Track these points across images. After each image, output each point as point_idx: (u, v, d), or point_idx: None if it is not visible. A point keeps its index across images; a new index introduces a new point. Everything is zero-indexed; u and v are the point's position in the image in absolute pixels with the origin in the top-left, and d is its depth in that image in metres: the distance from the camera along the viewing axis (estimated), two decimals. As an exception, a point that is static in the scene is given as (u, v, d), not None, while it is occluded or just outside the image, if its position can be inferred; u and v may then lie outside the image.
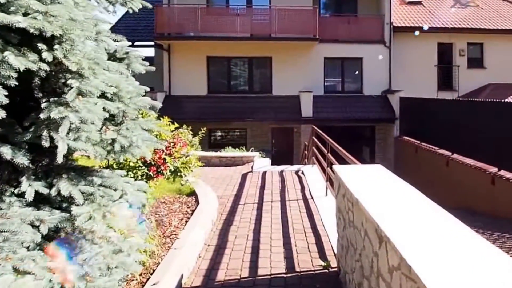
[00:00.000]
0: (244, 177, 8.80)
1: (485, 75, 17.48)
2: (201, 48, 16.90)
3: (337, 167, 3.98)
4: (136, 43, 18.28)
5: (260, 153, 11.98)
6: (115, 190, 3.14)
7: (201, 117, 15.76)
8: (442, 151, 11.30)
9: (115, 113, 2.94)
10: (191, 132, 13.48)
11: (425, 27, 17.00)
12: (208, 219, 5.39)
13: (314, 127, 9.40)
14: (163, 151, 5.19)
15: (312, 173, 8.71)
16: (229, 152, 11.37)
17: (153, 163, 5.07)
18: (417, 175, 11.40)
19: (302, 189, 7.46)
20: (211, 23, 16.08)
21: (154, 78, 17.92)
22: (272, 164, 11.87)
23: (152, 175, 5.05)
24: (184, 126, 13.37)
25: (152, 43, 17.63)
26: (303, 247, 4.70)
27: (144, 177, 5.26)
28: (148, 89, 3.90)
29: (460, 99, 15.03)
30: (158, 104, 4.07)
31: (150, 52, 19.56)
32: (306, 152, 11.89)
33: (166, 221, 5.33)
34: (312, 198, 6.76)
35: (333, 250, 4.54)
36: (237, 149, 12.28)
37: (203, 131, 12.90)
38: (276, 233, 5.19)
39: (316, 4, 16.40)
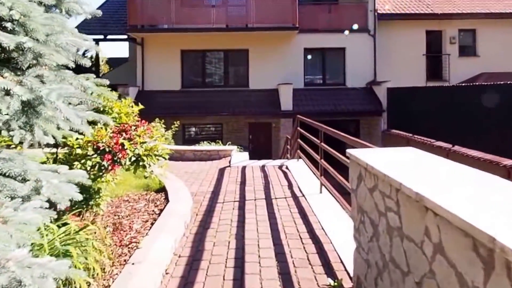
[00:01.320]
0: (221, 172, 7.57)
1: (478, 64, 16.44)
2: (175, 41, 15.53)
3: (355, 151, 2.83)
4: (108, 37, 16.66)
5: (238, 147, 10.77)
6: (23, 180, 1.88)
7: (175, 112, 14.41)
8: (440, 143, 10.33)
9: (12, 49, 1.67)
10: (163, 126, 12.15)
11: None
12: (180, 221, 4.14)
13: (300, 116, 8.28)
14: (120, 134, 3.89)
15: (299, 168, 7.57)
16: (204, 146, 10.08)
17: (107, 149, 3.77)
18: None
19: (290, 185, 6.29)
20: (185, 14, 14.76)
21: (131, 74, 16.38)
22: (251, 159, 10.73)
23: (106, 165, 3.74)
24: (157, 119, 12.04)
25: (125, 36, 16.09)
26: (301, 259, 3.53)
27: (97, 169, 3.95)
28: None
29: (460, 84, 13.96)
30: (105, 82, 2.94)
31: (125, 46, 18.02)
32: (288, 146, 10.76)
33: (127, 225, 4.04)
34: (303, 195, 5.61)
35: (342, 262, 3.39)
36: (213, 143, 11.00)
37: (176, 125, 11.59)
38: (264, 239, 3.99)
39: (295, -7, 15.31)
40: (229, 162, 8.68)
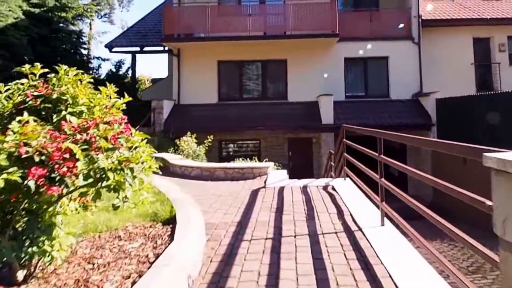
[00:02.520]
0: (254, 194, 6.10)
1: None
2: (211, 51, 14.51)
3: None
4: (145, 49, 15.98)
5: (275, 164, 9.28)
6: None
7: (211, 127, 13.23)
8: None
9: None
10: (195, 140, 10.93)
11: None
12: (179, 278, 2.68)
13: (346, 125, 6.71)
14: (79, 134, 2.44)
15: (348, 189, 5.94)
16: (237, 163, 8.68)
17: (37, 158, 2.25)
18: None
19: (340, 213, 4.70)
20: (221, 23, 13.71)
21: (170, 90, 15.54)
22: (290, 178, 9.22)
23: (32, 185, 2.20)
24: (188, 133, 10.85)
25: (162, 48, 15.31)
26: None
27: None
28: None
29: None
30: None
31: (164, 58, 17.29)
32: (332, 163, 9.12)
33: (94, 284, 2.61)
34: (359, 229, 4.00)
35: None
36: (248, 159, 9.58)
37: (209, 140, 10.34)
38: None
39: (334, -2, 13.85)
40: (265, 182, 7.21)
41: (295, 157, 14.56)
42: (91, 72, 21.39)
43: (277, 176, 7.71)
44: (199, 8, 13.82)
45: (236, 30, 13.49)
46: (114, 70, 21.17)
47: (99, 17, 32.01)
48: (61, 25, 18.66)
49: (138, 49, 15.51)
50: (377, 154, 4.22)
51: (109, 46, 15.69)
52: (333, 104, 13.30)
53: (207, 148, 10.34)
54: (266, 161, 9.44)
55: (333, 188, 6.20)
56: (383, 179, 4.09)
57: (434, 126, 12.95)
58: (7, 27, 14.44)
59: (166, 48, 14.74)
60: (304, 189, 6.29)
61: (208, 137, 10.21)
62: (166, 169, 9.65)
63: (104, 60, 23.20)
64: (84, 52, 20.63)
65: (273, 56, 14.64)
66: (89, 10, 20.87)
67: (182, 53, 14.67)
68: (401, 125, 13.17)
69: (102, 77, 22.85)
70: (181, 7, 14.18)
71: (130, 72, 21.61)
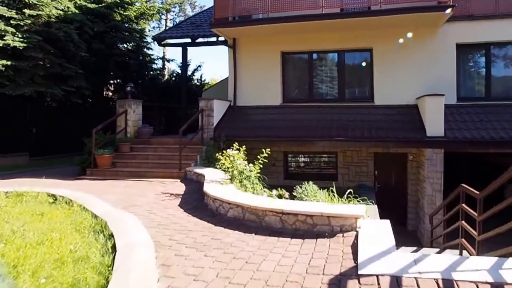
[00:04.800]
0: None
1: None
2: (274, 40, 11.11)
3: None
4: (198, 40, 13.03)
5: (366, 202, 5.52)
6: None
7: (273, 135, 9.81)
8: None
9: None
10: (243, 156, 7.53)
11: None
12: None
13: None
14: None
15: None
16: (300, 204, 4.97)
17: None
18: None
19: None
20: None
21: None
22: (381, 217, 5.51)
23: None
24: (235, 144, 7.48)
25: (215, 39, 12.22)
26: None
27: None
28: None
29: None
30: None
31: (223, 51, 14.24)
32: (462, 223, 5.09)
33: None
34: None
35: None
36: (322, 193, 5.82)
37: (265, 153, 6.84)
38: None
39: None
40: (353, 253, 3.53)
41: (383, 178, 10.48)
42: (152, 73, 19.26)
43: (374, 235, 3.96)
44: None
45: (304, 6, 9.79)
46: (178, 71, 18.84)
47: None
48: (122, 23, 16.68)
49: (189, 40, 12.55)
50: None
51: (158, 39, 13.01)
52: (444, 108, 9.01)
53: (261, 165, 6.84)
54: (349, 194, 5.64)
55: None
56: None
57: None
58: (51, 17, 12.44)
59: (222, 39, 11.59)
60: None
61: (264, 150, 6.73)
62: (200, 198, 6.41)
63: (168, 61, 21.07)
64: (148, 52, 18.57)
65: (354, 44, 10.75)
66: (152, 8, 18.79)
67: (239, 43, 11.44)
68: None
69: (165, 77, 20.73)
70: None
71: (197, 73, 19.08)
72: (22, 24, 12.24)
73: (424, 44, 10.21)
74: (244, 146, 7.14)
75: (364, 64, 10.97)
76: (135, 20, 18.12)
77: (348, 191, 5.69)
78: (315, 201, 5.32)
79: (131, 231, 4.44)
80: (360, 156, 10.46)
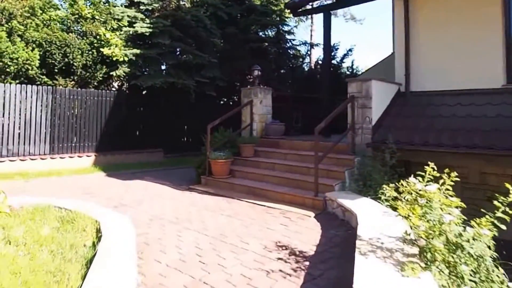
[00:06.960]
0: None
1: None
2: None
3: None
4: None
5: None
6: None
7: (492, 145, 5.11)
8: None
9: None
10: (450, 191, 3.15)
11: None
12: None
13: None
14: None
15: None
16: None
17: None
18: None
19: None
20: None
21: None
22: None
23: None
24: (429, 167, 3.25)
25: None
26: None
27: None
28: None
29: None
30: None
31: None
32: None
33: None
34: None
35: None
36: None
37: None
38: None
39: None
40: None
41: None
42: (293, 61, 16.08)
43: None
44: None
45: None
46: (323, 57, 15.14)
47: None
48: (260, 5, 14.05)
49: (330, 1, 8.54)
50: None
51: (292, 6, 9.19)
52: None
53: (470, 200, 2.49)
54: None
55: None
56: None
57: None
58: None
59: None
60: None
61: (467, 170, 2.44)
62: (348, 276, 2.54)
63: (313, 46, 17.53)
64: (290, 37, 15.55)
65: None
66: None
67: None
68: None
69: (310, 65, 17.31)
70: None
71: (347, 59, 14.98)
72: (150, 9, 10.68)
73: None
74: (430, 167, 2.94)
75: None
76: (274, 1, 15.24)
77: None
78: None
79: None
80: None
